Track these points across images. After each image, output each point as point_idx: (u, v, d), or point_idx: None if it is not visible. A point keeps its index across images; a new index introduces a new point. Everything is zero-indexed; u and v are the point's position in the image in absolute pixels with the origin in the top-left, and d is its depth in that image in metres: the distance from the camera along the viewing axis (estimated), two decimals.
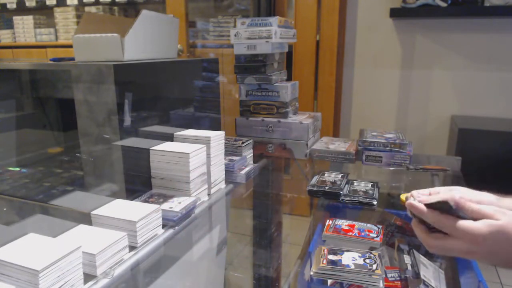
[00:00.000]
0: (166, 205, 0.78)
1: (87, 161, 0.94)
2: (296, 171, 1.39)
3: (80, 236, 0.63)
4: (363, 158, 1.17)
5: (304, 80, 2.38)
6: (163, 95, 1.08)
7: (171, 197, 0.82)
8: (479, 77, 2.18)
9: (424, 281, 0.85)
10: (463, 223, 0.58)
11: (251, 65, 1.22)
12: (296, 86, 1.33)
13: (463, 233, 0.58)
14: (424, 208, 0.62)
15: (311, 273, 0.78)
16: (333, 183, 1.04)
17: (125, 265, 0.64)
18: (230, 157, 1.05)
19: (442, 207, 0.61)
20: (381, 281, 0.75)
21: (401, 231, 1.06)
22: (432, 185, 1.11)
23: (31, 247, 0.55)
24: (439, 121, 2.30)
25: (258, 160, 1.17)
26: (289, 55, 2.34)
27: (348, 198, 0.98)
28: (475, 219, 0.59)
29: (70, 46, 1.02)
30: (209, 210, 0.89)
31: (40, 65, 1.12)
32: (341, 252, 0.82)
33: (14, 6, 3.47)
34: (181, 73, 1.19)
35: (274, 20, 1.17)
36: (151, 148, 0.85)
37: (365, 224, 0.97)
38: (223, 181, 0.98)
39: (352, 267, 0.77)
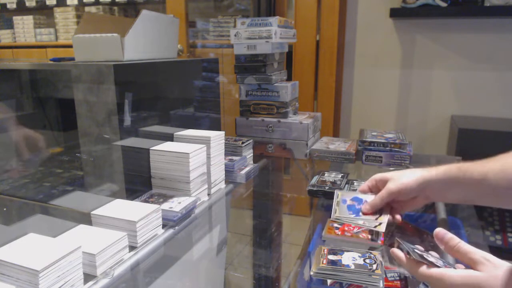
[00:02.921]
0: (166, 205, 0.78)
1: (87, 161, 0.94)
2: (296, 171, 1.39)
3: (80, 236, 0.63)
4: (363, 158, 1.16)
5: (304, 80, 2.38)
6: (163, 95, 1.08)
7: (171, 197, 0.82)
8: (479, 77, 2.18)
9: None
10: (437, 271, 0.57)
11: (251, 65, 1.22)
12: (296, 86, 1.33)
13: (439, 282, 0.56)
14: (403, 258, 0.64)
15: (311, 273, 0.78)
16: (333, 183, 1.04)
17: (125, 265, 0.64)
18: (230, 157, 1.05)
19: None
20: (381, 281, 0.75)
21: (401, 231, 1.06)
22: None
23: (31, 247, 0.55)
24: (439, 121, 2.30)
25: (258, 160, 1.17)
26: (289, 55, 2.34)
27: None
28: (461, 261, 0.57)
29: (70, 46, 1.02)
30: (209, 210, 0.90)
31: (40, 65, 1.12)
32: (341, 252, 0.82)
33: (14, 6, 3.47)
34: (181, 73, 1.19)
35: (274, 20, 1.17)
36: (151, 148, 0.85)
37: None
38: (223, 181, 0.98)
39: (352, 267, 0.77)
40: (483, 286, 0.51)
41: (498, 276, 0.51)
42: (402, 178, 0.75)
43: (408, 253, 0.63)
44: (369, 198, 0.82)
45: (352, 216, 0.80)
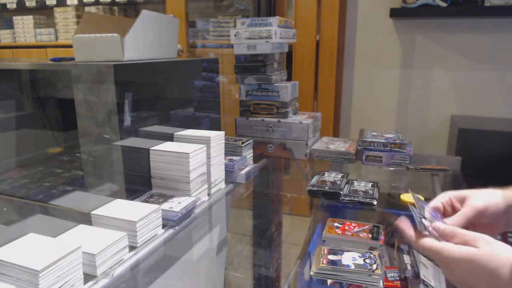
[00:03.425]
0: (166, 205, 0.78)
1: (87, 161, 0.94)
2: (296, 171, 1.39)
3: (80, 236, 0.63)
4: (363, 158, 1.16)
5: (304, 80, 2.38)
6: (163, 95, 1.08)
7: (171, 197, 0.82)
8: (479, 77, 2.18)
9: (423, 281, 0.85)
10: (437, 244, 0.57)
11: (251, 65, 1.22)
12: (296, 86, 1.33)
13: (437, 255, 0.57)
14: (406, 229, 0.63)
15: (311, 273, 0.78)
16: (333, 183, 1.04)
17: (125, 265, 0.64)
18: (230, 157, 1.05)
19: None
20: (381, 281, 0.75)
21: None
22: (432, 185, 1.11)
23: (31, 247, 0.55)
24: (439, 121, 2.30)
25: (258, 160, 1.17)
26: (289, 55, 2.34)
27: (348, 198, 0.98)
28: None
29: (70, 46, 1.02)
30: (209, 210, 0.89)
31: (40, 65, 1.12)
32: (341, 252, 0.82)
33: (14, 6, 3.47)
34: (181, 73, 1.19)
35: (274, 20, 1.17)
36: (151, 148, 0.85)
37: (365, 224, 0.97)
38: (223, 181, 0.98)
39: (352, 267, 0.77)
40: (478, 261, 0.52)
41: (492, 252, 0.52)
42: (486, 196, 0.67)
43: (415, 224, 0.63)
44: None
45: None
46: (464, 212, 0.66)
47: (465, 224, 0.66)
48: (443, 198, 0.70)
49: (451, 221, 0.66)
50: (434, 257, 0.58)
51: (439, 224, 0.61)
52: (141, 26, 1.01)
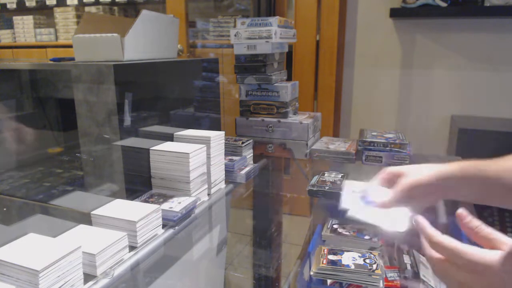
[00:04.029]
0: (166, 205, 0.78)
1: (87, 161, 0.94)
2: (296, 171, 1.39)
3: (80, 236, 0.63)
4: (363, 158, 1.16)
5: (304, 80, 2.38)
6: (163, 95, 1.08)
7: (171, 197, 0.82)
8: (479, 77, 2.17)
9: (423, 281, 0.85)
10: (462, 246, 0.53)
11: (251, 65, 1.22)
12: (296, 86, 1.33)
13: (458, 257, 0.53)
14: (426, 225, 0.60)
15: (311, 273, 0.78)
16: (333, 183, 1.04)
17: (125, 265, 0.64)
18: (230, 157, 1.05)
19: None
20: (381, 281, 0.75)
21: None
22: None
23: (31, 247, 0.55)
24: (439, 121, 2.30)
25: (258, 160, 1.17)
26: (289, 55, 2.34)
27: None
28: (479, 243, 0.55)
29: (70, 46, 1.02)
30: (209, 210, 0.90)
31: (40, 65, 1.12)
32: (341, 252, 0.82)
33: (14, 6, 3.47)
34: (181, 73, 1.19)
35: (274, 20, 1.17)
36: (151, 148, 0.85)
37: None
38: (223, 181, 0.98)
39: (352, 267, 0.77)
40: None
41: None
42: (417, 174, 0.72)
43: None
44: (381, 190, 0.78)
45: (364, 206, 0.77)
46: (394, 192, 0.73)
47: (397, 203, 0.73)
48: (384, 174, 0.78)
49: (384, 202, 0.73)
50: (455, 258, 0.54)
51: (465, 213, 0.58)
52: (141, 26, 1.01)
